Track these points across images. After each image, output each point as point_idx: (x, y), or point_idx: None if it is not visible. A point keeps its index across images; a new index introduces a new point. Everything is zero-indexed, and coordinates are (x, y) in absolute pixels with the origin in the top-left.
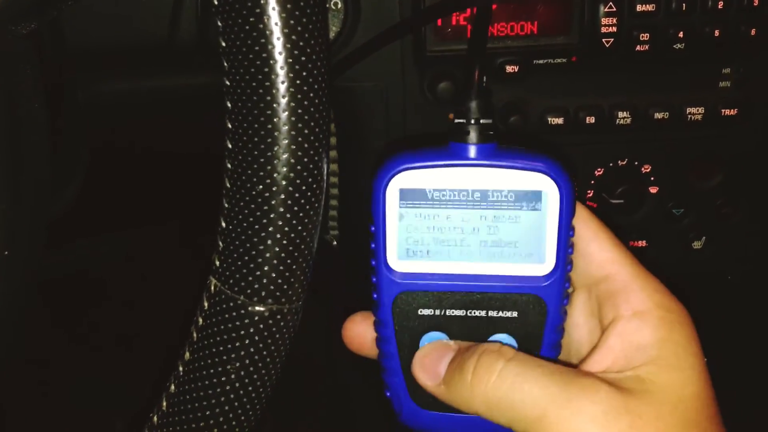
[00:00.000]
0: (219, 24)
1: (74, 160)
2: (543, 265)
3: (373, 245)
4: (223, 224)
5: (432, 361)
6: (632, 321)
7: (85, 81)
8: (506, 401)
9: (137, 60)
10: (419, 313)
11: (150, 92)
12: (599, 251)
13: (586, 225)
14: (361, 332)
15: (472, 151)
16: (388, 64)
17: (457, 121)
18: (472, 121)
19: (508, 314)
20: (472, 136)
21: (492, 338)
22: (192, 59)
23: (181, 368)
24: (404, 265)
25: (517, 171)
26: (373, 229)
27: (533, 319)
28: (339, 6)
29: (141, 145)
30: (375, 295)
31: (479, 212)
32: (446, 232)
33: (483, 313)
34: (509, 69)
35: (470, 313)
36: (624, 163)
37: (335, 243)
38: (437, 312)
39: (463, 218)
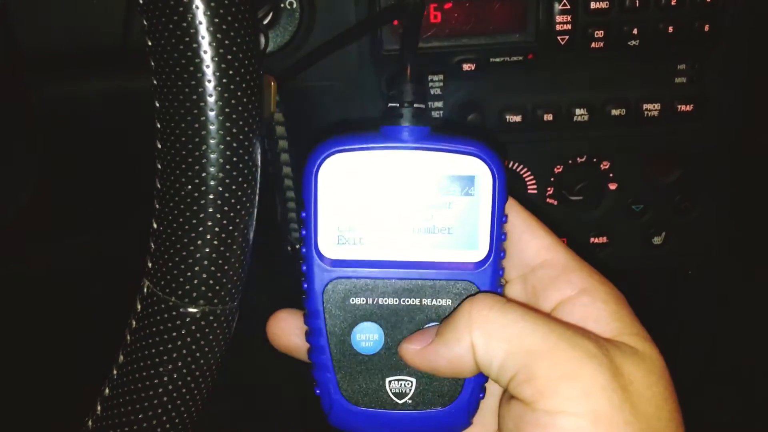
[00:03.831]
0: (144, 23)
1: (27, 164)
2: (476, 251)
3: (304, 232)
4: (155, 225)
5: (420, 337)
6: (581, 297)
7: (39, 84)
8: (510, 329)
9: (91, 61)
10: (351, 302)
11: (104, 94)
12: (533, 239)
13: (517, 215)
14: (286, 328)
15: (405, 133)
16: (345, 64)
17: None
18: (405, 104)
19: (442, 302)
20: (405, 118)
21: (426, 327)
22: (147, 61)
23: (115, 371)
24: (336, 252)
25: (450, 154)
26: (304, 215)
27: None
28: (294, 5)
29: (96, 148)
30: (305, 285)
31: (413, 198)
32: (379, 219)
33: (416, 301)
34: (466, 67)
35: (403, 301)
36: (583, 159)
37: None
38: (369, 301)
39: (397, 204)
